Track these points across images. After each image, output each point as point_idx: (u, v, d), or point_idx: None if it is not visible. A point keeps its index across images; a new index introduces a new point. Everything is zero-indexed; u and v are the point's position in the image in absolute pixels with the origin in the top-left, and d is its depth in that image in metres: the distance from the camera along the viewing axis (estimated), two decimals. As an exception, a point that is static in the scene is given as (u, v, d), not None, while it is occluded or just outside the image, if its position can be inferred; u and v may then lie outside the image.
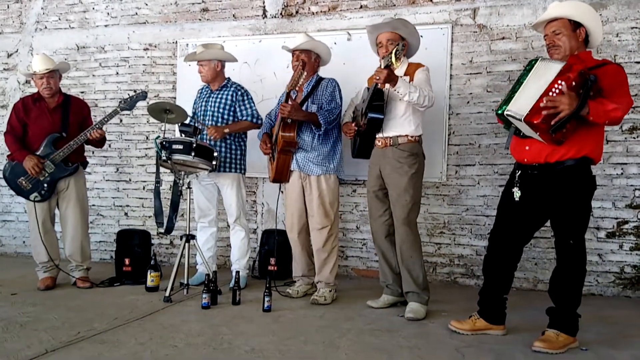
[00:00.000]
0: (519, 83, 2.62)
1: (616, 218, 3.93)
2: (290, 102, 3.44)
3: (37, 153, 3.73)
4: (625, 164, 3.92)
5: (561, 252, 2.69)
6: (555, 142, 2.52)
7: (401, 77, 3.22)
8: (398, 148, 3.27)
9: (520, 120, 2.50)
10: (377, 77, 3.07)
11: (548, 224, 2.83)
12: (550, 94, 2.43)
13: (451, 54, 4.23)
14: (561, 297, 2.69)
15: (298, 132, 3.53)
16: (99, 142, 3.93)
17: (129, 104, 3.91)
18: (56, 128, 3.81)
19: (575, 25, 2.64)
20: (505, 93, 2.84)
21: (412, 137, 3.28)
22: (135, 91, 4.27)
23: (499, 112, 2.65)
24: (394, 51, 2.94)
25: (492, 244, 2.90)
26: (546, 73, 2.51)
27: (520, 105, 2.53)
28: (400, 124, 3.28)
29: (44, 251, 3.80)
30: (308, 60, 3.60)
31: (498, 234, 2.88)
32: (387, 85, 3.16)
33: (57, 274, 3.91)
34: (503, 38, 4.16)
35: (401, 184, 3.24)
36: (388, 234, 3.42)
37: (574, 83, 2.41)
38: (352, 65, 4.26)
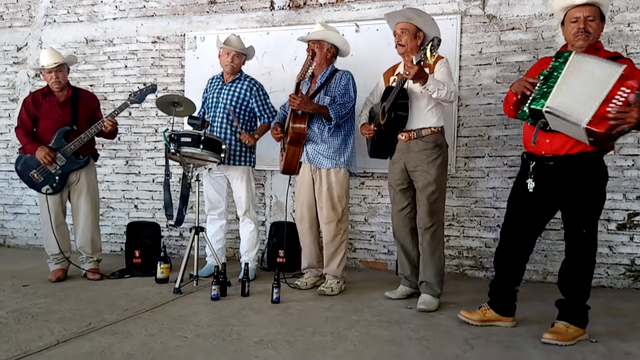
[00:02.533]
0: (553, 77, 2.50)
1: (627, 210, 3.90)
2: (300, 94, 3.43)
3: (49, 145, 3.77)
4: (637, 155, 3.88)
5: (572, 243, 2.67)
6: (604, 147, 2.47)
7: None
8: (422, 140, 3.25)
9: (576, 124, 2.35)
10: (407, 73, 2.98)
11: (558, 215, 2.81)
12: (615, 101, 2.30)
13: (460, 44, 4.19)
14: (571, 289, 2.68)
15: (309, 124, 3.53)
16: (111, 133, 3.96)
17: (138, 97, 3.93)
18: (66, 121, 3.83)
19: (602, 16, 2.62)
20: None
21: (435, 128, 3.26)
22: (145, 84, 4.28)
23: (536, 106, 2.50)
24: (428, 47, 2.81)
25: (505, 236, 2.88)
26: (599, 73, 2.38)
27: (570, 105, 2.39)
28: (423, 117, 3.25)
29: (56, 243, 3.84)
30: (320, 50, 3.56)
31: (511, 226, 2.86)
32: (410, 81, 3.10)
33: (68, 266, 3.95)
34: (513, 28, 4.12)
35: (428, 176, 3.23)
36: (410, 227, 3.41)
37: (638, 92, 2.27)
38: (360, 57, 4.23)
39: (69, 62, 3.97)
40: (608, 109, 2.29)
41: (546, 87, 2.51)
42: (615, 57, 2.56)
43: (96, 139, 4.01)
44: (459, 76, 4.19)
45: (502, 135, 4.13)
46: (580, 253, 2.65)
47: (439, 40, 2.85)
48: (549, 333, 2.61)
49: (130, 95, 3.95)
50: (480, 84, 4.18)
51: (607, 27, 3.85)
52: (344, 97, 3.53)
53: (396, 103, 3.21)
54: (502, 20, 4.14)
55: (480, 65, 4.19)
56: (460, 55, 4.19)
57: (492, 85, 4.15)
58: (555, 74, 2.50)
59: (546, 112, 2.48)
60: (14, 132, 4.00)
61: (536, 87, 2.58)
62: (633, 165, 3.88)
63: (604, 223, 3.92)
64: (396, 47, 3.31)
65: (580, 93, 2.39)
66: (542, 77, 2.58)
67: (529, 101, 2.58)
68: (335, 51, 3.65)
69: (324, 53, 3.59)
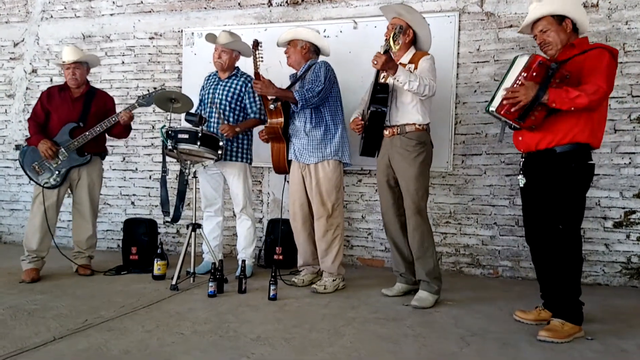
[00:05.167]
0: (502, 81, 2.74)
1: (623, 208, 3.91)
2: (261, 79, 3.49)
3: (53, 140, 3.78)
4: (633, 153, 3.88)
5: (551, 239, 2.69)
6: (528, 129, 2.69)
7: (404, 64, 3.22)
8: (405, 136, 3.25)
9: (491, 113, 2.72)
10: (375, 62, 3.02)
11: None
12: (515, 86, 2.59)
13: (458, 42, 4.19)
14: (560, 287, 2.70)
15: (291, 120, 3.60)
16: (124, 130, 3.98)
17: (147, 100, 3.91)
18: (75, 117, 3.85)
19: (560, 19, 2.69)
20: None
21: (419, 125, 3.25)
22: (155, 88, 4.28)
23: (487, 109, 2.77)
24: (391, 35, 2.90)
25: (525, 234, 2.96)
26: (517, 68, 2.66)
27: (497, 100, 2.69)
28: (407, 112, 3.25)
29: (37, 239, 3.76)
30: (294, 49, 3.65)
31: (525, 223, 2.96)
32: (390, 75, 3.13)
33: (42, 266, 3.84)
34: (511, 26, 4.12)
35: (410, 173, 3.23)
36: (400, 223, 3.40)
37: (534, 74, 2.57)
38: (358, 54, 4.24)
39: (90, 61, 4.03)
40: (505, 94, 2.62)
41: (495, 91, 2.76)
42: (589, 49, 2.64)
43: (107, 138, 4.05)
44: (457, 74, 4.19)
45: (499, 133, 4.12)
46: (561, 249, 2.66)
47: (401, 28, 3.00)
48: (544, 331, 2.62)
49: (138, 97, 3.94)
50: (478, 82, 4.18)
51: (604, 25, 3.88)
52: (314, 82, 3.50)
53: (375, 97, 3.21)
54: (500, 17, 4.14)
55: (478, 62, 4.18)
56: (458, 53, 4.19)
57: (489, 83, 4.14)
58: (504, 78, 2.75)
59: (491, 113, 2.74)
60: (27, 124, 4.02)
61: None
62: (630, 163, 3.89)
63: (601, 221, 3.93)
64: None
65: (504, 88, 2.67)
66: None
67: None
68: (310, 47, 3.66)
69: (298, 50, 3.64)
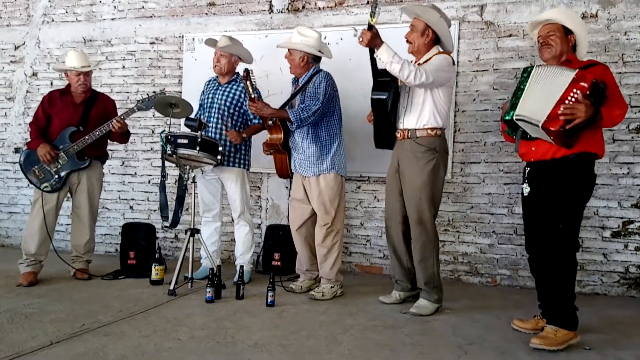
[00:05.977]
0: (520, 89, 2.70)
1: (621, 217, 3.92)
2: (256, 100, 3.48)
3: (52, 144, 3.78)
4: (632, 163, 3.90)
5: (550, 241, 2.69)
6: (567, 146, 2.60)
7: (421, 64, 3.17)
8: (416, 141, 3.15)
9: (536, 125, 2.56)
10: (361, 39, 2.98)
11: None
12: (567, 101, 2.51)
13: (458, 50, 4.21)
14: (554, 292, 2.70)
15: (290, 132, 3.60)
16: (122, 136, 3.98)
17: (146, 104, 3.91)
18: (75, 121, 3.84)
19: (567, 32, 2.78)
20: (510, 94, 2.87)
21: (432, 130, 3.14)
22: (154, 92, 4.30)
23: (507, 118, 2.72)
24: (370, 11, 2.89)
25: (526, 243, 2.93)
26: (556, 79, 2.58)
27: (532, 109, 2.60)
28: (419, 115, 3.15)
29: (36, 243, 3.75)
30: (293, 56, 3.56)
31: (525, 232, 2.93)
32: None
33: (40, 269, 3.83)
34: (510, 35, 4.14)
35: (416, 181, 3.15)
36: (402, 230, 3.34)
37: (588, 92, 2.50)
38: (358, 61, 4.24)
39: (92, 65, 4.07)
40: (560, 110, 2.50)
41: (515, 99, 2.71)
42: (589, 65, 2.70)
43: (108, 142, 4.06)
44: (456, 82, 4.20)
45: (498, 142, 4.14)
46: (558, 251, 2.66)
47: (376, 2, 2.92)
48: (537, 338, 2.61)
49: (138, 101, 3.94)
50: (477, 90, 4.20)
51: (603, 36, 3.90)
52: (312, 99, 3.48)
53: (376, 82, 3.11)
54: (499, 27, 4.16)
55: (477, 71, 4.20)
56: (457, 62, 4.20)
57: (489, 92, 4.16)
58: (522, 87, 2.71)
59: (517, 120, 2.67)
60: (27, 127, 4.04)
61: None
62: (628, 173, 3.90)
63: (599, 230, 3.94)
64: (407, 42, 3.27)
65: (540, 98, 2.61)
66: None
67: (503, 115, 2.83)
68: (309, 57, 3.57)
69: (298, 60, 3.56)
